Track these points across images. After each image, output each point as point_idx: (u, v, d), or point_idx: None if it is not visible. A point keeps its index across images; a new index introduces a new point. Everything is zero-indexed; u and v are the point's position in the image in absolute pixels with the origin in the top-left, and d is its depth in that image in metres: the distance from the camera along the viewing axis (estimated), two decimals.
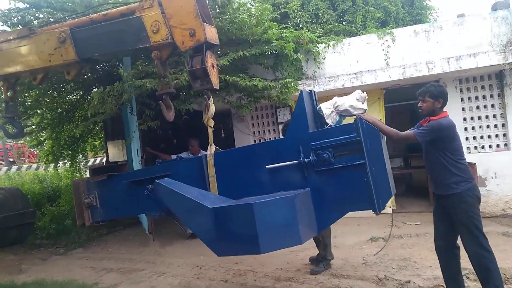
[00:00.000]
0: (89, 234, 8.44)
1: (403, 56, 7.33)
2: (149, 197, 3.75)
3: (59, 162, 10.90)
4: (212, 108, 3.54)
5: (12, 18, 6.16)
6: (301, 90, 3.40)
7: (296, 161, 3.20)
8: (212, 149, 3.61)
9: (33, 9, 6.16)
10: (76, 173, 10.28)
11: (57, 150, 9.86)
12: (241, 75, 6.58)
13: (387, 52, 7.46)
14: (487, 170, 7.11)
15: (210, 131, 3.59)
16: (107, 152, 8.90)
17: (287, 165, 3.22)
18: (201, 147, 6.70)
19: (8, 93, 4.05)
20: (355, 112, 3.38)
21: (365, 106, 3.44)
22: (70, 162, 10.39)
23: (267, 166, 3.28)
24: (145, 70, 6.12)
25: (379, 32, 7.59)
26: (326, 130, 3.35)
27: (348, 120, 3.42)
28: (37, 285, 5.40)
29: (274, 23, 7.36)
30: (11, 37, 3.77)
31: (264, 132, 8.79)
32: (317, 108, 3.50)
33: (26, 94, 8.31)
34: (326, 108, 3.46)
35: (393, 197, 7.63)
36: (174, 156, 6.10)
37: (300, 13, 9.67)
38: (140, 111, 6.73)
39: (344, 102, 3.40)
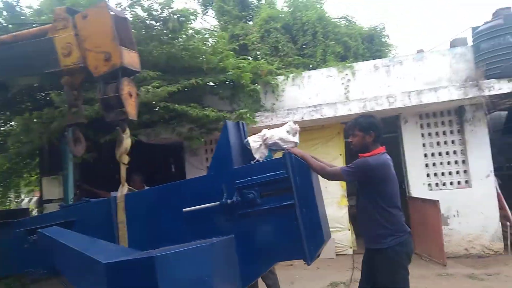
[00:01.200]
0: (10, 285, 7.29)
1: (363, 90, 7.22)
2: (31, 251, 3.26)
3: None
4: (126, 143, 3.22)
5: None
6: (225, 121, 3.10)
7: (218, 203, 2.81)
8: (123, 190, 3.21)
9: None
10: None
11: None
12: (192, 104, 6.18)
13: (347, 85, 7.36)
14: (449, 208, 6.88)
15: (123, 168, 3.25)
16: (41, 189, 7.95)
17: (208, 207, 2.82)
18: (147, 183, 6.20)
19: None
20: (285, 146, 3.06)
21: (296, 139, 3.14)
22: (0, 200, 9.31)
23: (184, 209, 2.86)
24: (83, 95, 5.49)
25: (339, 66, 7.51)
26: (251, 166, 3.01)
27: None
28: None
29: (231, 52, 7.01)
30: None
31: None
32: (245, 141, 3.19)
33: None
34: (254, 141, 3.15)
35: (354, 237, 7.29)
36: (114, 194, 5.64)
37: (260, 45, 9.52)
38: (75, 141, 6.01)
39: (273, 134, 3.11)
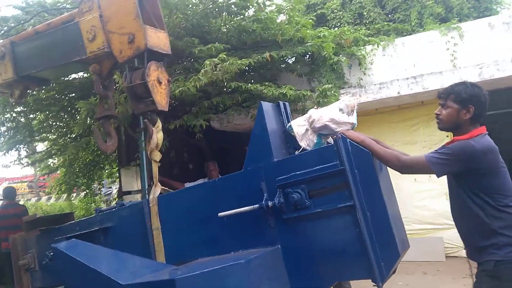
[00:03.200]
0: None
1: (475, 55, 5.86)
2: (51, 268, 3.00)
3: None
4: (157, 137, 2.85)
5: None
6: (261, 103, 2.52)
7: (257, 205, 2.28)
8: (156, 191, 2.80)
9: None
10: (92, 203, 9.38)
11: (71, 179, 8.95)
12: (267, 83, 5.43)
13: (453, 51, 6.06)
14: None
15: (155, 166, 2.87)
16: (120, 180, 7.81)
17: (245, 211, 2.32)
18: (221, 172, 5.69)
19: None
20: (338, 129, 2.34)
21: (352, 119, 2.40)
22: (85, 192, 9.51)
23: (220, 214, 2.40)
24: (113, 85, 5.08)
25: (442, 28, 6.23)
26: (295, 157, 2.40)
27: None
28: None
29: (310, 20, 6.08)
30: None
31: None
32: (287, 126, 2.57)
33: (31, 116, 7.45)
34: (298, 125, 2.50)
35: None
36: (188, 184, 5.32)
37: (341, 13, 8.38)
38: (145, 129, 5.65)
39: (322, 115, 2.41)
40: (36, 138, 8.20)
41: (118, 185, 7.17)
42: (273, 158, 2.35)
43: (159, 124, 2.89)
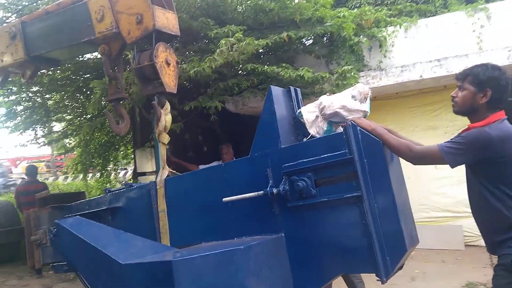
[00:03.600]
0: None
1: (503, 37, 5.60)
2: (56, 244, 3.03)
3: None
4: (166, 120, 2.85)
5: None
6: (270, 87, 2.42)
7: (262, 192, 2.23)
8: (163, 174, 2.80)
9: None
10: (107, 184, 9.45)
11: (86, 159, 9.02)
12: (284, 65, 5.28)
13: (479, 33, 5.80)
14: None
15: (163, 148, 2.91)
16: (135, 162, 7.83)
17: (249, 197, 2.27)
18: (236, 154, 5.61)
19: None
20: (350, 117, 2.24)
21: (365, 107, 2.28)
22: (100, 172, 9.58)
23: (224, 199, 2.37)
24: (123, 66, 4.98)
25: (468, 9, 5.93)
26: (302, 144, 2.33)
27: None
28: None
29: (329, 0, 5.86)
30: None
31: None
32: (297, 112, 2.49)
33: (47, 96, 7.47)
34: (308, 112, 2.40)
35: None
36: (202, 167, 5.18)
37: None
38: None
39: (333, 102, 2.30)
40: (52, 118, 8.28)
41: (133, 166, 7.17)
42: (280, 145, 2.28)
43: (167, 106, 2.87)
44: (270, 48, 5.80)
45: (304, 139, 2.38)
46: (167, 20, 2.65)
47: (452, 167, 2.05)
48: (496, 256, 2.17)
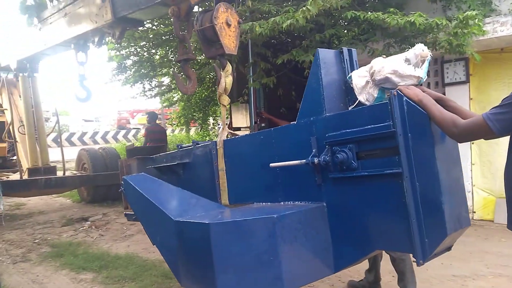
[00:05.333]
0: None
1: None
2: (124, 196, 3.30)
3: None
4: (227, 82, 2.86)
5: None
6: (318, 50, 2.27)
7: (304, 161, 2.20)
8: (223, 134, 2.91)
9: None
10: (206, 137, 10.03)
11: (188, 112, 9.65)
12: (391, 9, 4.65)
13: None
14: None
15: (224, 110, 2.99)
16: (230, 116, 8.12)
17: (293, 165, 2.28)
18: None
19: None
20: (402, 83, 2.00)
21: (420, 72, 2.00)
22: (200, 126, 10.18)
23: (271, 164, 2.42)
24: (256, 9, 5.05)
25: None
26: (346, 113, 2.19)
27: None
28: (127, 260, 5.00)
29: None
30: None
31: None
32: (348, 77, 2.31)
33: (153, 51, 8.03)
34: (359, 77, 2.20)
35: None
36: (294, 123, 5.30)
37: None
38: (254, 64, 5.76)
39: (384, 66, 2.06)
40: (158, 72, 8.88)
41: (229, 121, 7.44)
42: (325, 113, 2.18)
43: (228, 67, 2.90)
44: None
45: (349, 107, 2.24)
46: None
47: (499, 135, 1.74)
48: None
